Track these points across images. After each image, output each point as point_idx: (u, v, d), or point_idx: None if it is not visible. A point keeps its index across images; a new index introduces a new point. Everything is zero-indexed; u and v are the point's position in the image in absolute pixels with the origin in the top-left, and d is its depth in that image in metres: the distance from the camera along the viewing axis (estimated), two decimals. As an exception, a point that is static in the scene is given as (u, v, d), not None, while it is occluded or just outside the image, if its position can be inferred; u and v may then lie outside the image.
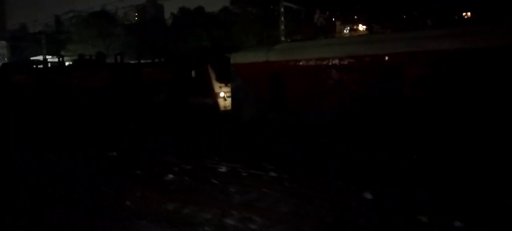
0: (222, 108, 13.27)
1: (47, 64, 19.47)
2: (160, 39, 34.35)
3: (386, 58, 9.48)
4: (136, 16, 64.77)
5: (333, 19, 29.84)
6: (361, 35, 23.94)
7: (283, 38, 19.98)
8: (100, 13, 39.05)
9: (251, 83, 12.00)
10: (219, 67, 13.73)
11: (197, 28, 32.78)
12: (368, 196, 6.36)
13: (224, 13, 36.52)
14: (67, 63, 21.39)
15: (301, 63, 10.94)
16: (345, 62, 10.10)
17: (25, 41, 50.57)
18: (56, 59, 19.76)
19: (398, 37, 9.94)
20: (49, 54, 32.84)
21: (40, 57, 31.90)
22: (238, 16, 29.63)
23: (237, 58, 12.41)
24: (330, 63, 10.37)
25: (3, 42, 60.82)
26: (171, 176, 7.98)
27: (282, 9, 20.57)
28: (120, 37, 37.14)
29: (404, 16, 24.28)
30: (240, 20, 28.51)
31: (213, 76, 13.42)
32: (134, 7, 61.81)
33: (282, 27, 20.44)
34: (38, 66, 19.81)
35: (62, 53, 30.52)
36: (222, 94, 13.37)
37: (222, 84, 13.47)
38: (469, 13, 24.08)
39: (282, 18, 20.57)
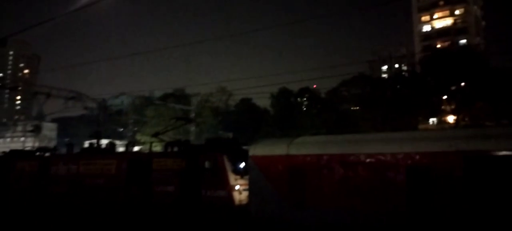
0: (236, 202, 12.61)
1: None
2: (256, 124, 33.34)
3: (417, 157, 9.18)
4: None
5: None
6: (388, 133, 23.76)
7: None
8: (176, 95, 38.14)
9: (270, 177, 11.53)
10: (235, 159, 13.37)
11: (309, 110, 32.42)
12: None
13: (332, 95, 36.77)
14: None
15: (324, 158, 10.60)
16: (376, 159, 9.76)
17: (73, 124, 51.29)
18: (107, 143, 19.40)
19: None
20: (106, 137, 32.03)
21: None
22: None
23: (257, 150, 12.09)
24: (358, 160, 10.04)
25: (51, 125, 61.58)
26: None
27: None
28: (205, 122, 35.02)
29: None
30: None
31: (228, 167, 12.98)
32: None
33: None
34: (43, 153, 19.41)
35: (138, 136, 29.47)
36: (237, 187, 12.81)
37: (238, 177, 12.99)
38: None
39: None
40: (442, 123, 31.30)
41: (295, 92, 42.40)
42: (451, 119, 30.97)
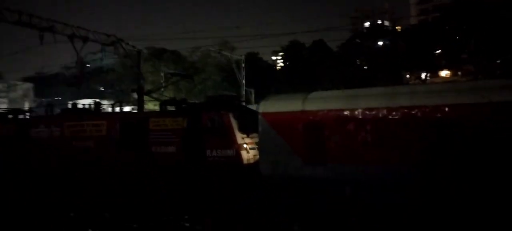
0: (245, 161, 12.03)
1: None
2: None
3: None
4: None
5: None
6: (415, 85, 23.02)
7: None
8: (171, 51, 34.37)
9: (284, 134, 10.98)
10: (240, 116, 12.68)
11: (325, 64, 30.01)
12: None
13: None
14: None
15: (344, 114, 10.13)
16: (402, 113, 9.38)
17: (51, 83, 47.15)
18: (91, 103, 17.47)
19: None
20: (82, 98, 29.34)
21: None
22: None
23: (268, 106, 11.45)
24: (381, 114, 9.63)
25: (27, 84, 56.57)
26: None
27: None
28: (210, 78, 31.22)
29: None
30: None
31: (235, 125, 12.29)
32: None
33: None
34: (19, 115, 17.85)
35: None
36: (245, 145, 12.19)
37: (244, 135, 12.35)
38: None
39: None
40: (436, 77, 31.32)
41: (308, 45, 39.84)
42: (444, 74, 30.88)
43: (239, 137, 12.21)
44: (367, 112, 9.81)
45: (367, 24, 72.02)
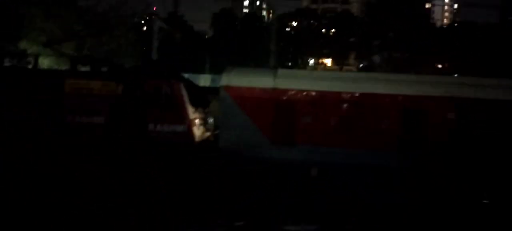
0: (197, 139, 10.70)
1: None
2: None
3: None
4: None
5: None
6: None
7: None
8: None
9: (251, 111, 10.23)
10: (188, 88, 11.18)
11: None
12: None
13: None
14: None
15: (317, 94, 10.08)
16: (372, 99, 9.90)
17: None
18: None
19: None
20: None
21: None
22: None
23: (232, 80, 10.41)
24: (354, 98, 9.98)
25: None
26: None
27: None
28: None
29: None
30: None
31: (186, 98, 10.76)
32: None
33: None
34: None
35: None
36: (197, 121, 10.83)
37: (193, 109, 10.96)
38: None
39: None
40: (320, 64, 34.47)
41: (240, 17, 38.19)
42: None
43: (191, 111, 10.76)
44: (342, 95, 10.03)
45: (246, 3, 71.78)
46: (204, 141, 10.86)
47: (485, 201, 8.69)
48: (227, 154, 10.27)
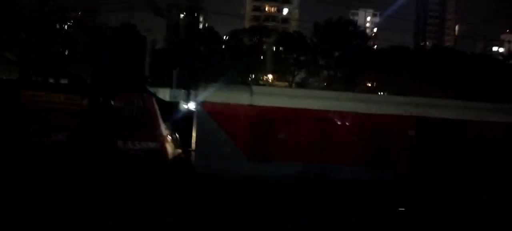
0: (170, 156, 10.33)
1: None
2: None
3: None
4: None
5: None
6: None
7: None
8: None
9: (227, 128, 10.18)
10: (159, 102, 10.81)
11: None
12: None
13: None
14: None
15: (293, 112, 10.38)
16: (344, 117, 10.48)
17: None
18: None
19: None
20: None
21: None
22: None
23: (210, 96, 10.27)
24: (327, 116, 10.47)
25: None
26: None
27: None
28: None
29: None
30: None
31: (158, 113, 10.36)
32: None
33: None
34: None
35: None
36: (169, 138, 10.47)
37: (164, 125, 10.60)
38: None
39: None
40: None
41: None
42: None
43: (163, 127, 10.38)
44: (316, 113, 10.45)
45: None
46: (175, 158, 10.51)
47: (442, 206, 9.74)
48: (202, 170, 10.06)
